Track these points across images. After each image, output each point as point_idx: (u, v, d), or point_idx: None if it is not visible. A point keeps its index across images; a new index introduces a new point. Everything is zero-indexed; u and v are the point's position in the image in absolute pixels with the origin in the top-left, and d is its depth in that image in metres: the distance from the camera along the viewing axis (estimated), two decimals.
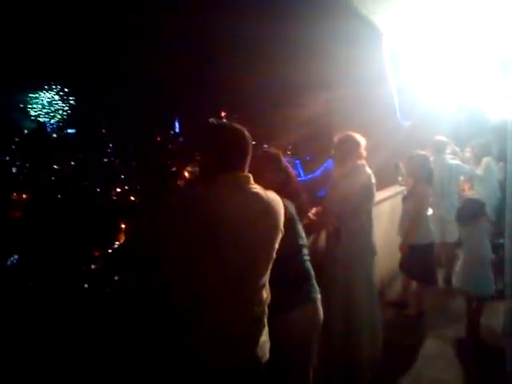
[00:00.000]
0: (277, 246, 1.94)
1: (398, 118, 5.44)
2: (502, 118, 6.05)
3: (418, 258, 4.54)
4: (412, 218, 4.59)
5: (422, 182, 4.62)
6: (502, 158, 5.80)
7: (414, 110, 5.79)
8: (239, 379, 1.87)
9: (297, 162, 3.75)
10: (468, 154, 6.67)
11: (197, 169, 2.13)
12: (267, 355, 1.93)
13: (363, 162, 3.40)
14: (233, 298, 1.81)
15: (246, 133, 1.94)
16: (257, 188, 1.90)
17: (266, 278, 1.93)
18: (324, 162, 4.31)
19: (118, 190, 47.19)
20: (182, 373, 1.89)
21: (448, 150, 5.98)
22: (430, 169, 4.70)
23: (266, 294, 1.93)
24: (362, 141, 3.40)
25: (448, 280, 5.40)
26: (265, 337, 1.93)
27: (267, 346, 1.94)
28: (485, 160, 6.13)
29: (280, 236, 1.95)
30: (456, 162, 5.92)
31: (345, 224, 3.27)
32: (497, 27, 4.50)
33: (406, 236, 4.57)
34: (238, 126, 1.95)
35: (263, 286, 1.91)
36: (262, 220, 1.86)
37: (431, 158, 5.54)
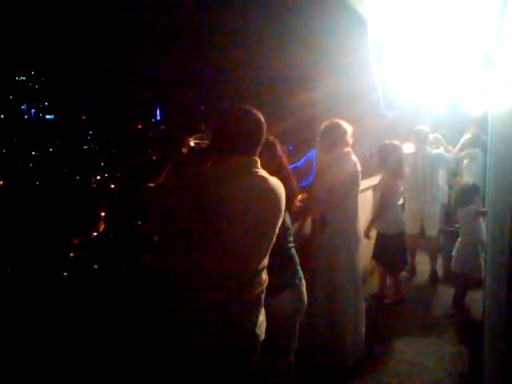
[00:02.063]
0: (277, 229, 1.97)
1: (381, 108, 5.46)
2: (484, 111, 6.15)
3: (388, 247, 4.61)
4: (376, 207, 4.62)
5: (388, 171, 4.59)
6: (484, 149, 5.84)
7: (398, 101, 5.81)
8: (238, 358, 1.90)
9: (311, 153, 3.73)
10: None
11: (204, 142, 2.13)
12: (263, 335, 1.97)
13: (349, 149, 3.43)
14: (234, 278, 1.83)
15: (263, 119, 1.97)
16: (263, 172, 1.94)
17: (266, 261, 1.96)
18: (306, 152, 4.32)
19: (98, 177, 46.69)
20: (179, 354, 1.90)
21: (431, 138, 5.85)
22: (398, 158, 4.60)
23: (265, 275, 1.96)
24: (349, 128, 3.42)
25: (434, 274, 5.43)
26: (262, 317, 1.97)
27: (264, 325, 1.98)
28: (472, 150, 6.18)
29: (281, 220, 1.98)
30: (438, 151, 5.80)
31: (330, 211, 3.30)
32: (480, 20, 4.56)
33: (369, 224, 4.56)
34: (256, 111, 1.97)
35: (263, 268, 1.94)
36: (266, 202, 1.89)
37: (413, 149, 5.56)
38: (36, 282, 23.21)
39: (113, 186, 45.13)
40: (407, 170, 4.85)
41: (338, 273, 3.35)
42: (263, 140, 1.97)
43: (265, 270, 1.96)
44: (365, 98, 5.36)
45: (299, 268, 2.57)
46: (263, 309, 1.99)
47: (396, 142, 4.69)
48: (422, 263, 5.67)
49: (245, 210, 1.80)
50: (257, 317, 1.93)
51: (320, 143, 3.51)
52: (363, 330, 3.55)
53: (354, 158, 3.43)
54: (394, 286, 4.81)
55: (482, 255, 4.43)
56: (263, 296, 1.97)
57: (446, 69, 5.95)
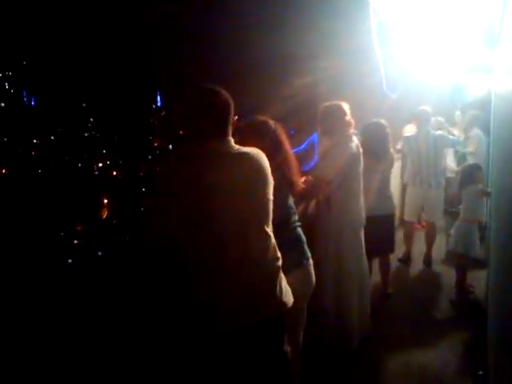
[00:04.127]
0: (270, 193, 1.95)
1: (384, 89, 5.40)
2: (487, 92, 6.07)
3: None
4: None
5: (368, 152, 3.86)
6: (487, 130, 5.72)
7: (401, 82, 5.74)
8: (267, 329, 1.93)
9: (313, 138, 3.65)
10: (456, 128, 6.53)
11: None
12: (291, 302, 2.01)
13: (351, 130, 3.39)
14: (244, 248, 1.85)
15: (225, 95, 1.89)
16: (238, 148, 1.89)
17: (271, 232, 1.96)
18: (309, 136, 4.27)
19: (100, 164, 46.75)
20: (204, 336, 1.90)
21: (432, 120, 5.55)
22: (371, 138, 4.03)
23: (275, 249, 1.97)
24: (347, 109, 3.36)
25: (428, 260, 5.33)
26: (285, 285, 2.01)
27: (290, 293, 2.03)
28: (474, 133, 5.97)
29: (271, 183, 1.95)
30: (441, 132, 5.52)
31: (334, 193, 3.28)
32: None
33: None
34: (221, 90, 1.89)
35: (268, 239, 1.94)
36: (252, 174, 1.88)
37: (415, 131, 5.45)
38: (40, 269, 23.34)
39: (115, 172, 45.22)
40: (392, 151, 4.47)
41: (344, 253, 3.37)
42: (228, 118, 1.88)
43: (273, 245, 1.97)
44: (367, 79, 5.32)
45: (306, 247, 2.59)
46: (284, 277, 2.01)
47: (382, 121, 4.24)
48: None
49: (236, 191, 1.81)
50: (280, 285, 1.95)
51: (320, 126, 3.45)
52: (369, 308, 3.59)
53: (355, 139, 3.40)
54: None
55: (478, 235, 4.48)
56: (280, 268, 1.99)
57: (448, 49, 5.88)
